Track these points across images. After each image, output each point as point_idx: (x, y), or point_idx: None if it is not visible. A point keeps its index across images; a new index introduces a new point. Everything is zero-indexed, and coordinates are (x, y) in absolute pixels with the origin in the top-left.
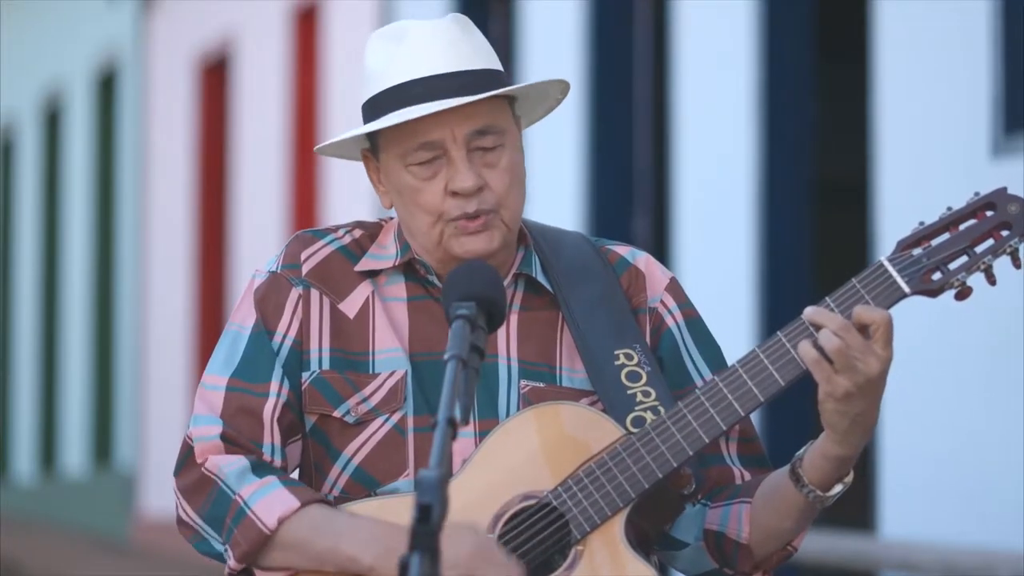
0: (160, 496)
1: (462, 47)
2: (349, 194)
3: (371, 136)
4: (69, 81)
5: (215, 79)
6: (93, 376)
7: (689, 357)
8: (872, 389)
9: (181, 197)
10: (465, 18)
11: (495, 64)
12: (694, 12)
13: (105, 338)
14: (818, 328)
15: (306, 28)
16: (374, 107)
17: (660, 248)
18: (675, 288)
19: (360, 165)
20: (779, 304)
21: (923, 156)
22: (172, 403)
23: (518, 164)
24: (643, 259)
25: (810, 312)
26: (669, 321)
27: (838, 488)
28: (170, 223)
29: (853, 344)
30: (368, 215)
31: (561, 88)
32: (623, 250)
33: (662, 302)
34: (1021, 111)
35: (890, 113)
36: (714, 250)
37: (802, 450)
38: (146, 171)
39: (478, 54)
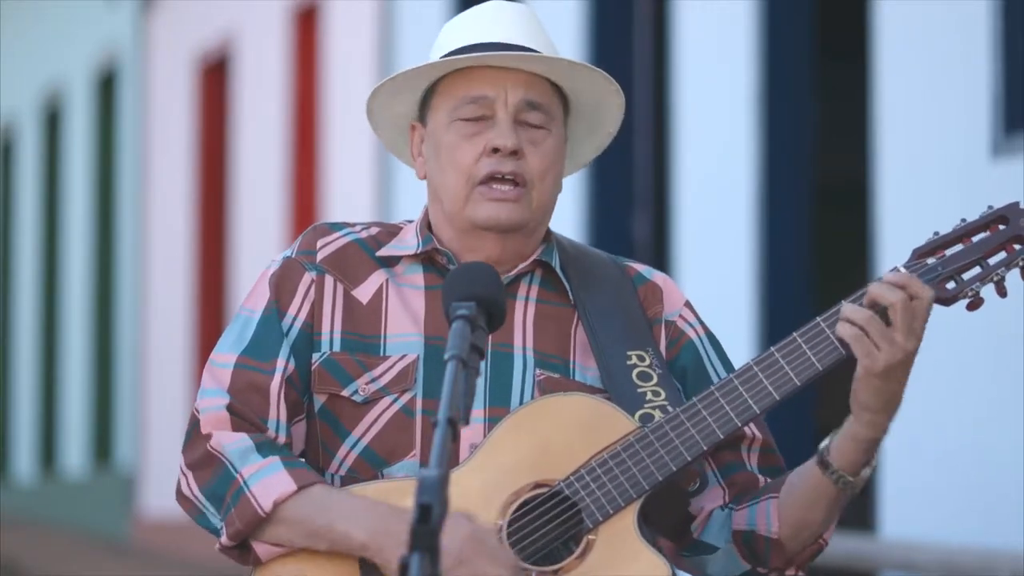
0: (160, 496)
1: (534, 30)
2: (349, 194)
3: (425, 99)
4: (69, 81)
5: (215, 79)
6: (93, 376)
7: (712, 368)
8: (907, 367)
9: (181, 197)
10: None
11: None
12: (694, 12)
13: (105, 338)
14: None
15: (306, 28)
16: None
17: (660, 248)
18: (691, 307)
19: (362, 166)
20: (779, 304)
21: (923, 156)
22: (172, 403)
23: (559, 157)
24: (660, 276)
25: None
26: (691, 333)
27: (866, 471)
28: (170, 223)
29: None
30: (368, 216)
31: (617, 104)
32: (641, 267)
33: (681, 316)
34: (1021, 111)
35: (890, 113)
36: (714, 250)
37: (827, 440)
38: (146, 171)
39: (549, 44)
